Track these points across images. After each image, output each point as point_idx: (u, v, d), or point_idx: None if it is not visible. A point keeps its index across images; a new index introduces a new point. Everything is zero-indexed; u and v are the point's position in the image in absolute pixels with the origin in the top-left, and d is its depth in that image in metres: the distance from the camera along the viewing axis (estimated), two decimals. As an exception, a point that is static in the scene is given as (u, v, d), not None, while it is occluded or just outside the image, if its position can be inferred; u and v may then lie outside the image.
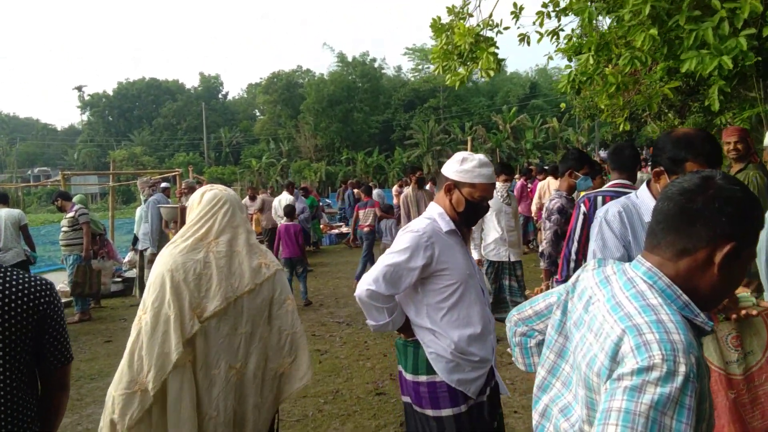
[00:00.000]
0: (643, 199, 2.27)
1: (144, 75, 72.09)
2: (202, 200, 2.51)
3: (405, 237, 2.35)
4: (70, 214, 7.47)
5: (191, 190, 8.63)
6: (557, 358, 1.47)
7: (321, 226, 14.80)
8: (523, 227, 9.45)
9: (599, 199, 3.12)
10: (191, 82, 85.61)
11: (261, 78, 62.54)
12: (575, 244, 3.20)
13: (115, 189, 14.39)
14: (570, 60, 7.40)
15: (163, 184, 11.65)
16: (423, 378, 2.38)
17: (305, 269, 8.13)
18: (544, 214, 4.05)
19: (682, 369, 1.06)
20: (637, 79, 5.80)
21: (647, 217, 2.22)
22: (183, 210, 7.09)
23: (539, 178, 10.64)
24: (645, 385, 1.06)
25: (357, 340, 6.15)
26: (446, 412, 2.34)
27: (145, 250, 7.91)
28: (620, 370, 1.11)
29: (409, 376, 2.43)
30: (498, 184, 4.43)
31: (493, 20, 6.19)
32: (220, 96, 70.28)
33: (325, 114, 49.64)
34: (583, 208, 3.14)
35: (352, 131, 50.31)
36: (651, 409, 1.04)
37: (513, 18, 6.36)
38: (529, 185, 11.47)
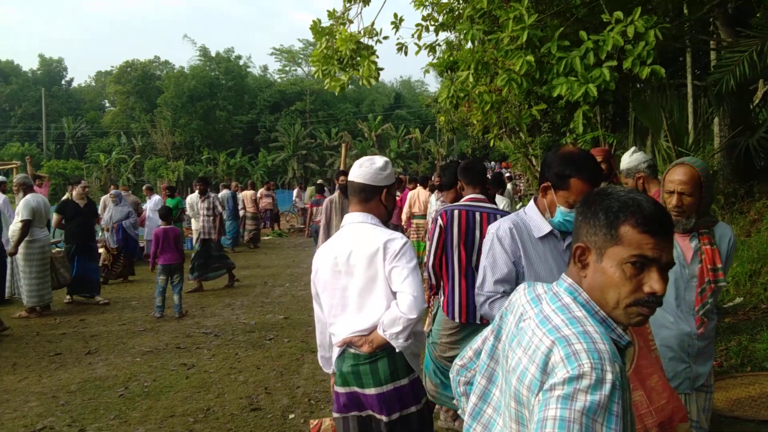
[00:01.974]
0: (532, 216, 2.37)
1: (-31, 52, 63.38)
2: None
3: (409, 250, 2.37)
4: None
5: (26, 187, 7.63)
6: (488, 383, 1.46)
7: (184, 229, 13.93)
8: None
9: (455, 212, 3.46)
10: (29, 64, 76.79)
11: (113, 66, 57.71)
12: (432, 256, 3.50)
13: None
14: (441, 75, 7.73)
15: (-2, 178, 10.28)
16: (404, 381, 2.41)
17: (182, 278, 7.57)
18: (429, 226, 4.13)
19: (609, 377, 1.10)
20: (507, 99, 6.19)
21: (537, 233, 2.32)
22: None
23: (409, 187, 10.93)
24: (576, 392, 1.09)
25: (227, 352, 5.83)
26: (424, 399, 2.50)
27: None
28: (552, 380, 1.14)
29: (387, 387, 2.36)
30: None
31: (374, 29, 6.24)
32: (63, 82, 63.69)
33: (185, 110, 47.17)
34: (440, 221, 3.42)
35: (214, 130, 48.32)
36: (583, 416, 1.06)
37: (393, 28, 6.47)
38: (398, 194, 11.76)
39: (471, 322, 3.42)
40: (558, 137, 16.85)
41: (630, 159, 3.67)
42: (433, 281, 3.60)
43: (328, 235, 6.80)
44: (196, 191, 10.13)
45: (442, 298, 3.58)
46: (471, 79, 4.81)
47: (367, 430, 2.43)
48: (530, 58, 4.11)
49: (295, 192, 21.05)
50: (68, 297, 8.17)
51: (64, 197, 11.37)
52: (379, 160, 2.52)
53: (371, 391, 2.37)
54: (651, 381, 2.05)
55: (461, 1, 7.38)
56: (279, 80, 58.93)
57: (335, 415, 2.52)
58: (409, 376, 2.42)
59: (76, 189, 8.63)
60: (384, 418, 2.36)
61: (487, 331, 1.58)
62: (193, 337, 6.42)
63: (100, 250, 9.63)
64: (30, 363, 5.56)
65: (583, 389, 1.08)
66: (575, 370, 1.10)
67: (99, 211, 10.13)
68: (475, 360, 1.62)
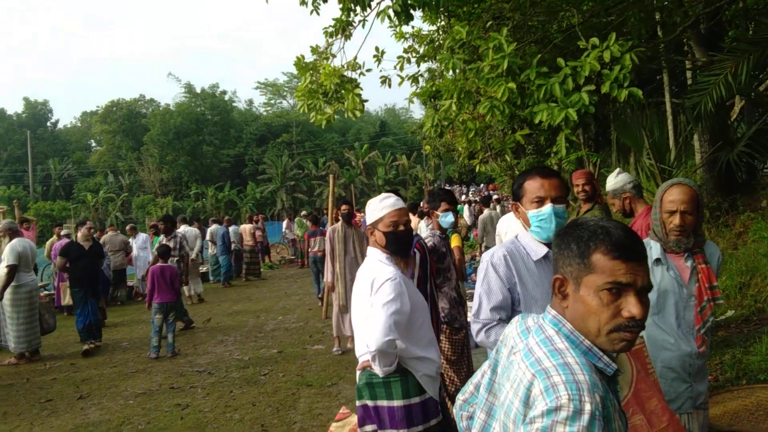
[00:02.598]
0: (526, 241, 2.40)
1: (-47, 97, 63.35)
2: None
3: (386, 286, 2.52)
4: None
5: (11, 232, 7.56)
6: (487, 417, 1.47)
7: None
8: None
9: (421, 243, 3.69)
10: (14, 107, 76.76)
11: (98, 106, 57.92)
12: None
13: None
14: (425, 104, 7.85)
15: (-16, 224, 10.19)
16: (416, 399, 2.59)
17: (176, 318, 7.50)
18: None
19: (588, 408, 1.11)
20: (490, 125, 6.30)
21: (534, 256, 2.35)
22: None
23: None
24: (554, 425, 1.10)
25: (222, 390, 5.76)
26: (434, 422, 2.63)
27: None
28: (532, 413, 1.15)
29: (398, 403, 2.56)
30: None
31: (357, 62, 6.35)
32: (48, 124, 63.61)
33: (172, 146, 47.26)
34: (418, 254, 3.55)
35: (202, 165, 48.40)
36: None
37: (375, 61, 6.59)
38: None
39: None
40: (542, 158, 17.08)
41: (615, 180, 3.74)
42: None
43: (333, 261, 6.83)
44: (78, 232, 8.59)
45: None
46: (454, 107, 4.90)
47: None
48: (511, 85, 4.20)
49: (284, 223, 21.00)
50: (90, 343, 7.58)
51: (50, 240, 11.31)
52: (378, 198, 2.81)
53: (382, 403, 2.61)
54: (650, 404, 2.06)
55: (441, 33, 7.56)
56: (264, 113, 59.34)
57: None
58: (420, 396, 2.60)
59: (81, 230, 8.30)
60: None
61: (485, 365, 1.59)
62: (186, 376, 6.34)
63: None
64: (21, 411, 5.45)
65: (561, 421, 1.10)
66: (553, 402, 1.12)
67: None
68: (476, 394, 1.63)
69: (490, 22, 5.34)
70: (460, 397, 1.72)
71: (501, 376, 1.39)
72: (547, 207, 2.28)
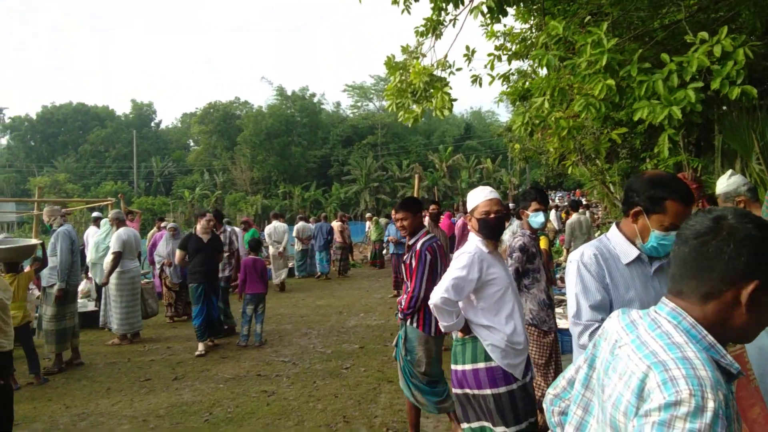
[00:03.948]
0: (617, 241, 2.29)
1: (71, 99, 69.27)
2: None
3: (462, 257, 3.01)
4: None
5: (118, 221, 8.13)
6: (584, 413, 1.42)
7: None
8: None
9: (435, 245, 4.08)
10: (122, 108, 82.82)
11: (197, 108, 61.47)
12: (423, 286, 3.87)
13: (38, 218, 13.51)
14: (514, 104, 7.67)
15: (95, 214, 11.07)
16: (481, 365, 2.99)
17: (264, 308, 7.80)
18: (507, 252, 4.07)
19: (711, 405, 1.04)
20: (583, 125, 6.06)
21: (624, 259, 2.25)
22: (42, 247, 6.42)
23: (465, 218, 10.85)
24: (673, 419, 1.05)
25: (305, 381, 5.91)
26: (502, 389, 2.97)
27: (51, 286, 6.56)
28: (647, 405, 1.10)
29: (468, 366, 3.03)
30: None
31: (447, 61, 6.32)
32: (152, 124, 68.28)
33: (263, 147, 49.16)
34: (429, 256, 3.95)
35: (290, 165, 49.99)
36: None
37: (465, 60, 6.52)
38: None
39: (440, 335, 4.01)
40: (637, 163, 16.23)
41: (728, 182, 3.49)
42: (415, 308, 3.96)
43: None
44: (197, 224, 7.84)
45: (417, 318, 4.01)
46: (547, 105, 4.75)
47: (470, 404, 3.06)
48: (610, 82, 4.02)
49: (367, 224, 21.30)
50: (210, 341, 7.39)
51: (152, 231, 12.08)
52: (477, 189, 3.25)
53: (456, 368, 3.10)
54: (753, 413, 1.93)
55: (534, 30, 7.37)
56: (351, 115, 60.42)
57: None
58: (486, 362, 2.99)
59: (200, 222, 7.67)
60: (465, 391, 3.07)
61: (580, 359, 1.53)
62: (272, 365, 6.57)
63: (160, 289, 9.66)
64: (122, 388, 5.86)
65: (681, 416, 1.04)
66: (672, 396, 1.06)
67: (164, 246, 9.65)
68: (569, 390, 1.58)
69: (588, 18, 5.14)
70: (551, 392, 1.67)
71: (603, 372, 1.33)
72: (673, 234, 2.15)
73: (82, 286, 9.68)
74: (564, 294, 7.87)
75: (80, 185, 51.74)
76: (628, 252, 2.25)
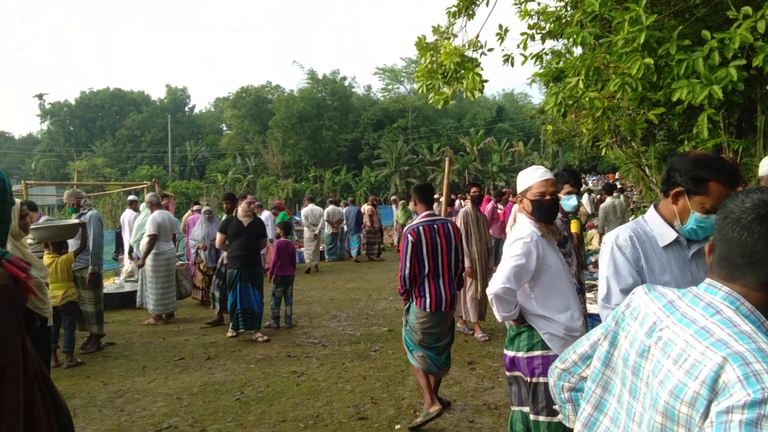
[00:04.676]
0: (654, 224, 2.22)
1: (108, 85, 70.65)
2: None
3: (517, 243, 2.88)
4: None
5: (153, 205, 8.28)
6: (603, 392, 1.38)
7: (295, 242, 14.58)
8: (494, 250, 9.46)
9: (420, 229, 4.35)
10: (157, 93, 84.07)
11: (229, 92, 62.21)
12: (407, 267, 4.29)
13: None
14: (547, 84, 7.49)
15: (131, 197, 11.31)
16: (538, 353, 2.90)
17: (292, 290, 7.88)
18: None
19: None
20: (619, 105, 5.89)
21: (661, 241, 2.18)
22: (83, 227, 6.30)
23: (513, 201, 10.70)
24: (761, 419, 0.99)
25: (334, 362, 5.97)
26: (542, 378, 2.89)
27: (80, 269, 6.46)
28: (727, 401, 1.04)
29: (522, 354, 2.94)
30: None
31: (479, 41, 6.21)
32: (186, 109, 69.18)
33: (294, 131, 49.37)
34: (411, 238, 4.30)
35: (321, 149, 50.14)
36: None
37: (498, 40, 6.39)
38: (501, 207, 11.54)
39: (437, 311, 4.33)
40: (675, 145, 15.74)
41: (771, 163, 3.36)
42: (408, 286, 4.36)
43: (469, 245, 6.71)
44: (238, 207, 7.60)
45: (414, 296, 4.40)
46: (581, 85, 4.62)
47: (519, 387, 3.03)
48: (648, 60, 3.88)
49: (394, 208, 21.29)
50: (231, 333, 7.09)
51: (186, 215, 12.29)
52: (530, 169, 3.10)
53: (509, 353, 3.04)
54: None
55: (569, 8, 7.17)
56: (382, 98, 60.15)
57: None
58: (543, 350, 2.89)
59: (240, 205, 7.46)
60: (515, 374, 3.04)
61: (596, 334, 1.48)
62: (302, 346, 6.64)
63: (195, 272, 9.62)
64: (157, 366, 6.01)
65: None
66: (758, 393, 1.00)
67: (200, 231, 9.23)
68: (580, 365, 1.54)
69: (625, -6, 4.96)
70: (558, 365, 1.61)
71: (637, 353, 1.28)
72: (713, 217, 2.07)
73: (126, 266, 9.92)
74: (595, 279, 7.74)
75: (117, 169, 52.93)
76: (665, 234, 2.18)
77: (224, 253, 7.68)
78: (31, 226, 5.33)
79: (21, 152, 65.78)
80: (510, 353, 3.04)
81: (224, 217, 7.84)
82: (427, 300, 4.32)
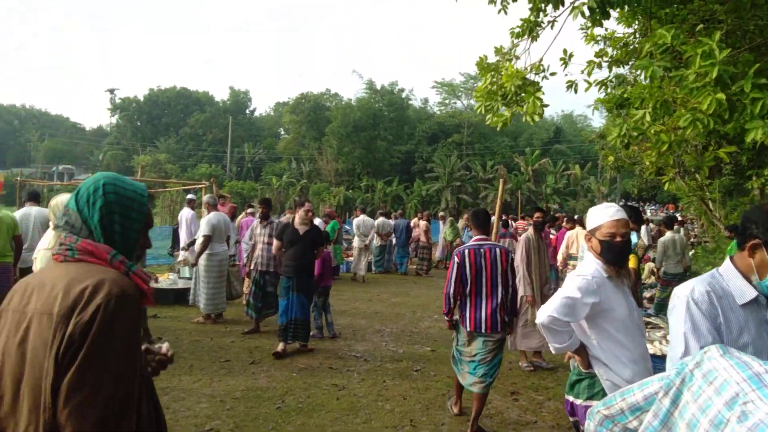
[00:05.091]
0: (731, 279, 2.11)
1: (176, 84, 73.40)
2: None
3: (575, 279, 2.78)
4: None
5: (209, 206, 8.51)
6: None
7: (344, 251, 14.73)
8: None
9: (466, 252, 4.68)
10: (221, 95, 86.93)
11: (289, 98, 63.41)
12: (452, 286, 4.67)
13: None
14: (610, 111, 7.32)
15: (189, 196, 11.68)
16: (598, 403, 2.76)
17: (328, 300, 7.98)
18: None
19: None
20: (685, 140, 5.68)
21: (740, 299, 2.07)
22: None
23: (566, 227, 10.45)
24: None
25: (375, 379, 5.96)
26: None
27: None
28: None
29: (581, 401, 2.84)
30: None
31: (542, 65, 6.13)
32: (247, 111, 71.21)
33: (349, 139, 49.96)
34: (456, 260, 4.68)
35: (374, 158, 50.51)
36: None
37: (562, 64, 6.29)
38: (553, 233, 11.30)
39: (477, 331, 4.62)
40: (742, 180, 15.07)
41: None
42: (451, 305, 4.73)
43: (530, 272, 6.56)
44: (296, 214, 7.35)
45: (460, 316, 4.79)
46: (648, 117, 4.49)
47: None
48: (720, 96, 3.73)
49: (440, 224, 21.11)
50: (281, 347, 6.70)
51: (240, 217, 12.57)
52: (602, 206, 2.98)
53: (569, 398, 2.96)
54: None
55: (638, 35, 6.99)
56: (438, 112, 60.16)
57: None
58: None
59: (298, 212, 7.19)
60: (575, 419, 2.94)
61: (653, 386, 1.42)
62: (344, 359, 6.67)
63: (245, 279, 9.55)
64: (203, 366, 6.15)
65: None
66: None
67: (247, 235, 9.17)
68: (627, 415, 1.47)
69: (699, 26, 4.80)
70: (602, 410, 1.55)
71: (710, 422, 1.22)
72: None
73: (181, 255, 10.04)
74: (650, 315, 7.45)
75: (178, 166, 54.89)
76: (744, 291, 2.06)
77: (259, 260, 7.84)
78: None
79: (91, 143, 69.20)
80: (570, 398, 2.94)
81: (281, 222, 7.98)
82: (467, 320, 4.67)
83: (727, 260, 2.16)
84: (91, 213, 1.61)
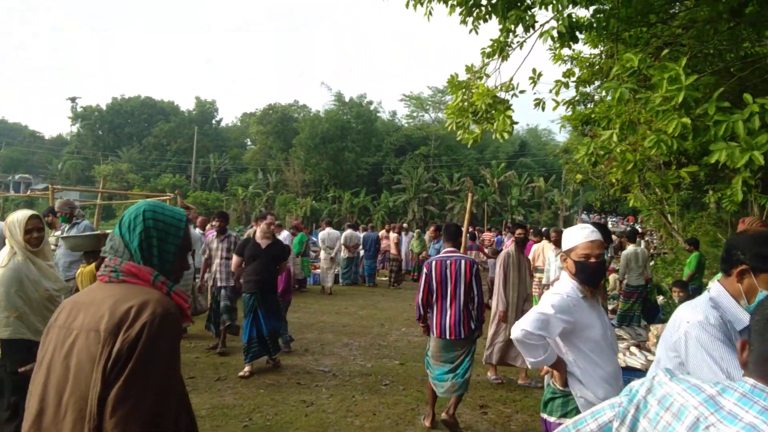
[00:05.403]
0: (726, 306, 2.13)
1: (140, 93, 72.07)
2: None
3: (552, 297, 2.80)
4: (58, 233, 7.17)
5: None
6: None
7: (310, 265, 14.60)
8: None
9: (433, 263, 5.08)
10: (187, 104, 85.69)
11: (257, 108, 62.85)
12: (421, 294, 5.10)
13: (101, 206, 14.11)
14: (575, 128, 7.50)
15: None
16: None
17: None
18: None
19: None
20: (649, 158, 5.85)
21: (738, 326, 2.09)
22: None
23: (534, 240, 10.58)
24: None
25: (344, 394, 5.90)
26: None
27: (69, 280, 6.01)
28: None
29: (555, 419, 2.84)
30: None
31: (512, 83, 6.23)
32: (213, 121, 70.23)
33: (317, 150, 49.77)
34: (425, 270, 5.11)
35: (342, 170, 50.41)
36: None
37: (531, 83, 6.42)
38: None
39: (443, 337, 5.00)
40: (699, 195, 15.61)
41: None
42: (422, 312, 5.16)
43: (506, 289, 6.61)
44: (258, 226, 7.19)
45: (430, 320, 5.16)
46: (615, 138, 4.61)
47: None
48: (686, 120, 3.85)
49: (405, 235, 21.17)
50: (246, 370, 6.42)
51: (207, 229, 12.34)
52: (577, 227, 2.99)
53: (543, 415, 2.96)
54: None
55: (603, 56, 7.19)
56: (406, 125, 60.50)
57: None
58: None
59: (259, 225, 7.03)
60: None
61: (605, 415, 1.44)
62: (312, 374, 6.59)
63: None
64: (168, 383, 5.98)
65: None
66: None
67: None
68: None
69: (665, 51, 4.96)
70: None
71: None
72: None
73: None
74: (613, 326, 7.57)
75: (141, 176, 53.70)
76: (741, 318, 2.09)
77: (217, 275, 7.64)
78: (62, 236, 5.39)
79: (50, 152, 67.16)
80: (544, 416, 2.96)
81: (243, 235, 7.90)
82: (433, 326, 5.08)
83: (718, 285, 2.20)
84: (132, 238, 1.76)
